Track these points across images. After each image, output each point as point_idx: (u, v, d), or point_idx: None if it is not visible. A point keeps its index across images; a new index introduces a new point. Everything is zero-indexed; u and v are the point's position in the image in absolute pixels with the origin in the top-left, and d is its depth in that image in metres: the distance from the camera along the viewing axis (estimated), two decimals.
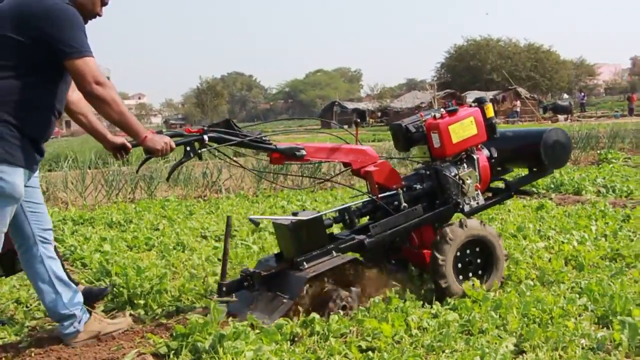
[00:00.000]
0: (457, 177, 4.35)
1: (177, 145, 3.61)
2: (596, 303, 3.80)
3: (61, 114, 3.45)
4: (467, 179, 4.37)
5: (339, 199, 9.21)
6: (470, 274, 4.21)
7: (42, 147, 3.34)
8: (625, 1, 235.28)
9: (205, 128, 3.81)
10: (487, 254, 4.25)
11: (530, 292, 4.00)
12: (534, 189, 5.33)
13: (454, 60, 67.54)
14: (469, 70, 64.21)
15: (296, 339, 3.50)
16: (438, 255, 4.04)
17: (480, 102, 4.53)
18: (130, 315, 4.12)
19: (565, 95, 67.18)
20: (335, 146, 4.22)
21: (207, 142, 3.75)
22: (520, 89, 50.69)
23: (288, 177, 11.15)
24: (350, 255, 4.03)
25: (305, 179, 10.76)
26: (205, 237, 6.72)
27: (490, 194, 4.77)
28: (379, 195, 4.23)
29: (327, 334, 3.48)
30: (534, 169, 4.85)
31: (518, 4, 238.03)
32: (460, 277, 4.15)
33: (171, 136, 3.61)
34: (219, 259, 5.44)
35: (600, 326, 3.55)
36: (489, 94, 50.69)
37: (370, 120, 54.31)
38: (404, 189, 4.31)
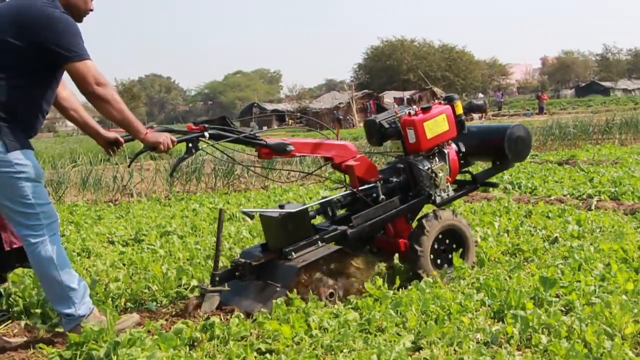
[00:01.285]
0: (430, 170, 4.63)
1: (179, 141, 3.76)
2: (493, 298, 3.88)
3: (48, 112, 3.59)
4: (439, 172, 4.66)
5: (252, 200, 9.18)
6: (445, 261, 4.57)
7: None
8: (534, 3, 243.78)
9: (206, 125, 3.94)
10: (459, 241, 4.62)
11: (430, 289, 4.05)
12: (497, 181, 5.68)
13: (371, 60, 68.44)
14: (385, 70, 65.20)
15: (195, 343, 3.45)
16: (417, 247, 4.37)
17: (450, 100, 4.79)
18: (26, 325, 4.00)
19: (480, 95, 69.08)
20: (319, 142, 4.47)
21: (207, 138, 3.91)
22: (436, 89, 51.59)
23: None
24: (336, 246, 4.25)
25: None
26: (112, 243, 6.55)
27: (456, 186, 5.02)
28: (359, 188, 4.46)
29: (227, 337, 3.45)
30: (497, 163, 5.11)
31: (430, 5, 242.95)
32: (435, 265, 4.49)
33: (173, 133, 3.75)
34: (123, 264, 5.33)
35: (496, 320, 3.64)
36: (406, 94, 51.64)
37: (290, 121, 54.34)
38: (381, 182, 4.53)
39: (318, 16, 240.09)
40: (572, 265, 4.45)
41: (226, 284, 4.07)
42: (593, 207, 6.95)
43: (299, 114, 54.50)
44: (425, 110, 4.60)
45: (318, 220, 4.59)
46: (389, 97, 51.75)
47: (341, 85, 71.14)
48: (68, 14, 3.43)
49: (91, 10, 3.66)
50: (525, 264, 4.80)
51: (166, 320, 3.97)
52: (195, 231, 6.86)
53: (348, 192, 4.52)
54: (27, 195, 3.35)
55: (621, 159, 11.44)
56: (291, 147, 4.24)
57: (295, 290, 3.92)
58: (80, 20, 3.57)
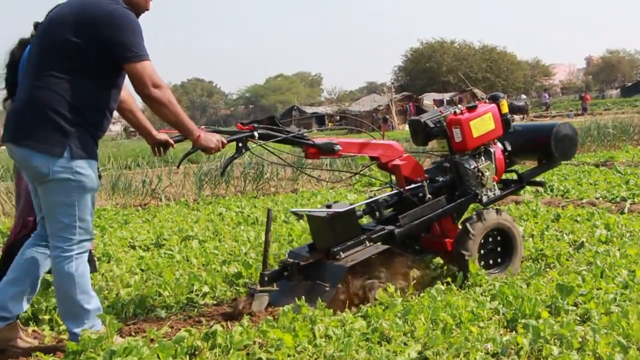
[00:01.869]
0: (477, 169, 4.60)
1: (229, 141, 3.76)
2: (508, 306, 3.74)
3: (114, 110, 3.58)
4: (486, 171, 4.63)
5: (279, 203, 9.13)
6: (494, 261, 4.55)
7: (98, 142, 3.48)
8: (579, 1, 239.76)
9: (256, 125, 3.96)
10: (507, 239, 4.56)
11: (442, 296, 3.92)
12: (544, 180, 5.62)
13: (411, 63, 68.00)
14: (425, 72, 64.70)
15: (196, 352, 3.37)
16: (463, 252, 4.32)
17: (495, 99, 4.75)
18: (33, 331, 3.97)
19: (523, 96, 68.06)
20: (365, 141, 4.46)
21: (257, 138, 3.92)
22: (476, 90, 51.01)
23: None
24: (384, 245, 4.20)
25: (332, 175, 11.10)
26: (133, 247, 6.54)
27: (502, 185, 4.96)
28: (406, 188, 4.46)
29: (229, 346, 3.36)
30: (544, 161, 5.07)
31: (473, 6, 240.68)
32: (486, 265, 4.49)
33: (222, 133, 3.73)
34: (141, 269, 5.30)
35: (509, 330, 3.51)
36: (446, 96, 51.22)
37: (330, 124, 54.27)
38: (428, 181, 4.52)
39: (359, 18, 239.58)
40: (595, 271, 4.28)
41: (275, 284, 4.08)
42: (626, 210, 6.73)
43: (338, 116, 54.55)
44: (471, 109, 4.59)
45: (364, 220, 4.61)
46: (428, 99, 51.44)
47: (381, 87, 70.89)
48: (130, 10, 3.37)
49: (147, 9, 3.62)
50: (548, 270, 4.63)
51: (171, 327, 3.91)
52: (216, 235, 6.81)
53: (394, 191, 4.53)
54: (74, 207, 3.30)
55: None
56: (338, 147, 4.23)
57: (344, 289, 3.95)
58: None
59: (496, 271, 4.53)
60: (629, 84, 77.42)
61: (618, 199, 7.39)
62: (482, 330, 3.42)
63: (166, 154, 4.05)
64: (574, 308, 3.64)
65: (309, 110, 61.14)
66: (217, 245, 6.15)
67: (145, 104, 3.44)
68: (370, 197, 4.65)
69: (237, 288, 4.69)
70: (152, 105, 3.36)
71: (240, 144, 3.88)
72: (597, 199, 7.66)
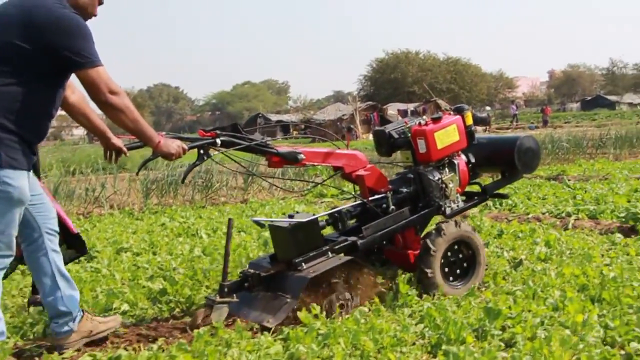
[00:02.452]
0: (440, 181, 4.57)
1: (190, 148, 3.69)
2: (436, 329, 3.58)
3: (54, 117, 3.45)
4: (450, 183, 4.61)
5: (226, 214, 8.91)
6: (457, 273, 4.49)
7: (36, 149, 3.36)
8: (542, 16, 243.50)
9: (218, 132, 3.88)
10: (469, 249, 4.52)
11: (366, 319, 3.75)
12: (507, 193, 5.57)
13: (376, 73, 68.32)
14: (390, 82, 65.07)
15: None
16: (426, 269, 4.27)
17: (460, 111, 4.75)
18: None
19: (487, 108, 68.67)
20: (329, 151, 4.40)
21: (219, 145, 3.84)
22: (440, 101, 51.34)
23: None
24: (347, 257, 4.14)
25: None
26: None
27: (465, 198, 4.95)
28: (370, 198, 4.42)
29: None
30: (507, 174, 5.09)
31: (437, 18, 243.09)
32: (450, 278, 4.44)
33: (183, 140, 3.67)
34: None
35: (432, 356, 3.36)
36: (410, 106, 51.38)
37: (294, 132, 54.07)
38: (392, 192, 4.48)
39: (326, 27, 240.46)
40: (527, 292, 4.15)
41: (235, 295, 3.97)
42: (570, 227, 6.65)
43: (303, 124, 54.36)
44: (436, 120, 4.58)
45: (327, 231, 4.56)
46: (392, 109, 51.50)
47: (347, 96, 71.03)
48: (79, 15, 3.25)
49: (94, 15, 3.48)
50: (482, 289, 4.49)
51: (78, 350, 3.67)
52: (152, 248, 6.57)
53: (358, 202, 4.52)
54: None
55: (611, 174, 11.11)
56: (302, 156, 4.15)
57: (305, 301, 3.87)
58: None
59: (460, 283, 4.49)
60: (589, 97, 78.79)
61: (563, 214, 7.31)
62: (403, 356, 3.27)
63: (117, 161, 3.91)
64: (501, 332, 3.49)
65: (274, 118, 60.87)
66: (149, 259, 5.91)
67: (102, 111, 3.33)
68: (334, 208, 4.56)
69: (160, 306, 4.47)
70: (109, 112, 3.26)
71: (201, 151, 3.79)
72: (543, 214, 7.57)
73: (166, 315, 4.35)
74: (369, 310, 4.03)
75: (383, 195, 4.46)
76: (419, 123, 4.61)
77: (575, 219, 6.98)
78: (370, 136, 44.90)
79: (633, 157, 15.19)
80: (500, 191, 5.21)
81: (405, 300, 4.15)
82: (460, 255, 4.52)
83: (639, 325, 3.43)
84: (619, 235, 5.93)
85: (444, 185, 4.57)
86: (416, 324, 3.71)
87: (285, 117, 61.72)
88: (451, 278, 4.45)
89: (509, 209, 8.20)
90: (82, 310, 3.71)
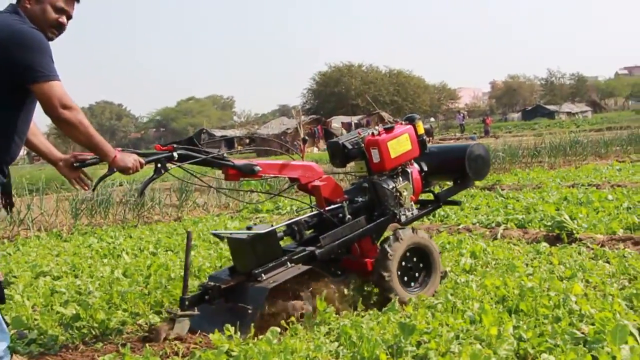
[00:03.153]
0: (395, 189, 4.66)
1: (147, 162, 3.65)
2: (351, 347, 3.48)
3: (26, 135, 3.38)
4: (404, 191, 4.69)
5: (156, 233, 8.70)
6: (414, 279, 4.57)
7: (5, 169, 3.29)
8: (482, 29, 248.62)
9: (175, 145, 3.89)
10: (425, 256, 4.61)
11: (280, 339, 3.63)
12: (459, 200, 5.65)
13: (320, 86, 68.58)
14: (334, 95, 65.48)
15: None
16: (383, 273, 4.32)
17: (411, 120, 4.85)
18: None
19: (432, 119, 69.59)
20: (285, 163, 4.47)
21: (176, 159, 3.84)
22: (383, 113, 51.87)
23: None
24: (306, 266, 4.19)
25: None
26: None
27: (419, 206, 5.01)
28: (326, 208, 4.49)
29: None
30: (459, 181, 5.20)
31: (384, 33, 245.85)
32: (406, 283, 4.50)
33: (140, 154, 3.63)
34: None
35: None
36: (354, 119, 51.74)
37: (239, 147, 53.83)
38: (347, 202, 4.56)
39: (271, 42, 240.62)
40: (446, 305, 4.09)
41: (195, 308, 4.00)
42: (499, 237, 6.67)
43: (247, 139, 54.13)
44: (389, 130, 4.67)
45: (285, 242, 4.60)
46: (337, 122, 51.78)
47: (291, 110, 71.14)
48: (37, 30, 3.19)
49: (60, 24, 3.38)
50: (404, 304, 4.42)
51: None
52: (73, 271, 6.33)
53: (315, 212, 4.55)
54: None
55: (544, 183, 11.25)
56: (258, 168, 4.21)
57: (265, 311, 3.92)
58: (50, 38, 3.34)
59: (417, 288, 4.55)
60: (529, 107, 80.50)
61: (493, 224, 7.33)
62: None
63: (87, 184, 3.72)
64: (416, 349, 3.41)
65: (218, 133, 60.48)
66: (68, 283, 5.67)
67: (57, 125, 3.26)
68: (292, 219, 4.65)
69: (71, 332, 4.27)
70: (63, 127, 3.21)
71: (159, 165, 3.79)
72: (474, 224, 7.58)
73: (77, 342, 4.16)
74: (286, 329, 3.92)
75: (339, 205, 4.54)
76: (372, 133, 4.67)
77: (504, 229, 7.00)
78: (315, 149, 45.40)
79: (567, 165, 15.46)
80: (453, 198, 5.31)
81: (323, 317, 4.05)
82: (417, 262, 4.59)
83: (553, 336, 3.40)
84: (544, 244, 5.96)
85: (398, 194, 4.66)
86: (331, 342, 3.61)
87: (229, 132, 61.44)
88: (408, 283, 4.52)
89: (440, 219, 8.21)
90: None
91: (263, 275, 4.06)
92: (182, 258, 6.31)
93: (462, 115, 56.69)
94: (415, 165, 4.90)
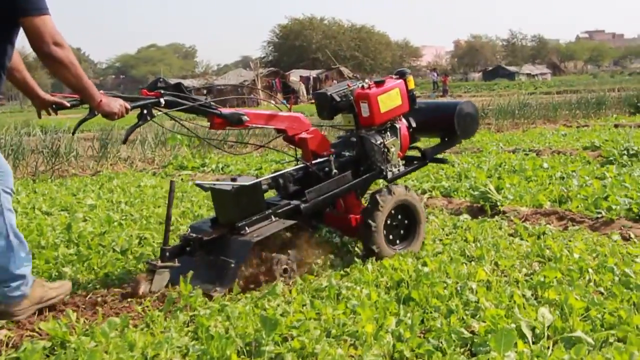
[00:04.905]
0: (383, 145, 4.54)
1: (133, 107, 3.58)
2: (202, 344, 2.95)
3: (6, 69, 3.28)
4: (392, 147, 4.59)
5: (64, 188, 8.04)
6: (397, 237, 4.48)
7: None
8: None
9: (162, 91, 3.76)
10: (411, 217, 4.52)
11: (116, 331, 3.09)
12: (446, 158, 5.51)
13: (281, 39, 67.42)
14: (294, 49, 64.53)
15: None
16: (370, 222, 4.23)
17: (402, 75, 4.72)
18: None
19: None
20: (272, 113, 4.34)
21: (163, 105, 3.72)
22: (343, 68, 51.19)
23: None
24: (291, 221, 4.06)
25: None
26: None
27: (405, 162, 4.91)
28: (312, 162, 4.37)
29: None
30: (446, 139, 5.09)
31: None
32: (389, 240, 4.39)
33: (125, 99, 3.54)
34: None
35: None
36: (313, 73, 50.96)
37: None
38: (334, 156, 4.45)
39: None
40: (331, 292, 3.57)
41: (176, 259, 3.87)
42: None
43: (205, 90, 52.95)
44: (379, 84, 4.54)
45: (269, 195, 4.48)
46: (295, 75, 50.95)
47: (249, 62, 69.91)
48: None
49: None
50: (291, 286, 3.89)
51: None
52: None
53: (300, 165, 4.43)
54: None
55: (485, 147, 10.80)
56: (246, 118, 4.08)
57: (249, 266, 3.81)
58: None
59: (398, 248, 4.45)
60: (490, 68, 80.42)
61: (419, 192, 6.83)
62: None
63: (57, 113, 3.74)
64: (276, 347, 2.89)
65: (174, 82, 59.15)
66: None
67: (44, 63, 3.14)
68: (278, 171, 4.53)
69: None
70: (52, 64, 3.10)
71: (145, 111, 3.67)
72: None
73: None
74: (141, 316, 3.38)
75: (326, 158, 4.42)
76: (362, 86, 4.54)
77: (428, 197, 6.54)
78: (272, 103, 44.31)
79: (515, 129, 15.06)
80: (439, 156, 5.21)
81: (187, 302, 3.51)
82: (403, 220, 4.50)
83: (439, 335, 2.93)
84: (465, 216, 5.52)
85: (386, 150, 4.55)
86: (183, 336, 3.07)
87: (186, 82, 59.98)
88: (390, 241, 4.41)
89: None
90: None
91: (247, 228, 3.95)
92: (72, 218, 5.73)
93: (436, 73, 55.61)
94: (404, 120, 4.78)
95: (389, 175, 4.59)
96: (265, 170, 8.93)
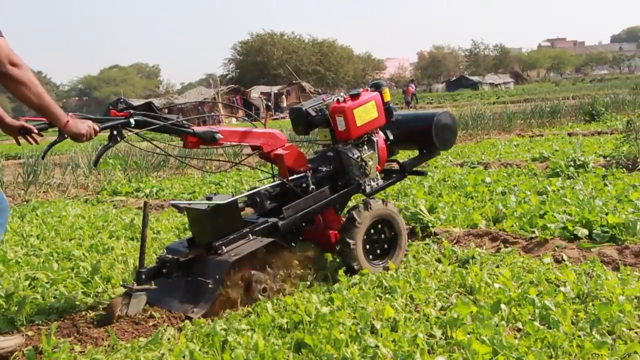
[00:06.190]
0: (360, 159, 4.50)
1: (102, 129, 3.52)
2: None
3: None
4: (369, 161, 4.54)
5: None
6: (378, 252, 4.40)
7: None
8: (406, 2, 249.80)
9: (132, 111, 3.69)
10: (392, 230, 4.44)
11: None
12: (425, 170, 5.55)
13: (242, 55, 67.16)
14: (256, 65, 64.36)
15: None
16: (348, 240, 4.16)
17: (378, 87, 4.67)
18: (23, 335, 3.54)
19: (360, 90, 68.79)
20: (247, 130, 4.28)
21: (133, 126, 3.65)
22: (304, 83, 50.94)
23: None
24: (268, 239, 4.01)
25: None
26: None
27: (383, 175, 4.86)
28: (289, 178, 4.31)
29: None
30: (424, 151, 5.03)
31: (310, 5, 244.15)
32: (370, 256, 4.33)
33: (95, 120, 3.47)
34: None
35: None
36: (274, 89, 50.59)
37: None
38: (311, 172, 4.38)
39: (198, 10, 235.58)
40: (214, 342, 3.15)
41: (152, 282, 3.80)
42: None
43: (166, 109, 52.30)
44: (354, 97, 4.49)
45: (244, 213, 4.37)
46: (256, 92, 50.57)
47: (209, 79, 69.41)
48: None
49: None
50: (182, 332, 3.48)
51: None
52: None
53: (277, 182, 4.37)
54: None
55: (431, 161, 10.44)
56: (219, 135, 3.99)
57: (227, 286, 3.74)
58: None
59: (380, 262, 4.38)
60: (453, 78, 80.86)
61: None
62: None
63: (38, 142, 3.59)
64: None
65: (136, 103, 58.44)
66: None
67: (3, 84, 3.04)
68: (254, 188, 4.49)
69: None
70: (11, 85, 3.02)
71: (115, 132, 3.61)
72: None
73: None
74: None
75: (303, 174, 4.35)
76: (337, 100, 4.50)
77: None
78: (233, 120, 44.04)
79: (469, 140, 14.76)
80: (418, 168, 5.16)
81: (50, 358, 3.06)
82: (382, 235, 4.42)
83: None
84: None
85: (363, 164, 4.51)
86: None
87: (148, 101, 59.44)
88: (371, 256, 4.35)
89: None
90: None
91: (224, 247, 3.89)
92: None
93: (414, 84, 55.14)
94: (381, 133, 4.74)
95: (368, 189, 4.53)
96: (199, 194, 8.50)
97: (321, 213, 4.44)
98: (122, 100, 59.31)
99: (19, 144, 3.63)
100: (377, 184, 4.63)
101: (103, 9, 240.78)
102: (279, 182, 4.36)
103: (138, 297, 3.74)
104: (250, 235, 4.03)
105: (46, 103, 3.17)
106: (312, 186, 4.33)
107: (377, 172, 4.66)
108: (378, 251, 4.41)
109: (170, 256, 3.95)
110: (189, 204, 4.29)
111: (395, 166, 5.08)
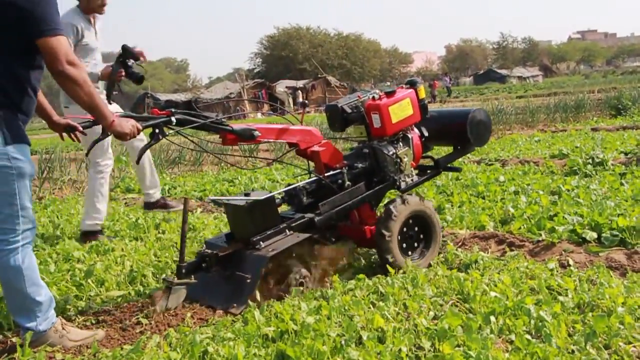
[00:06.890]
0: (395, 155, 4.52)
1: (144, 127, 3.58)
2: None
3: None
4: (404, 157, 4.57)
5: None
6: (411, 247, 4.44)
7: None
8: None
9: (173, 110, 3.76)
10: (426, 227, 4.49)
11: None
12: (460, 167, 5.42)
13: (268, 49, 67.16)
14: (282, 59, 64.25)
15: None
16: (385, 232, 4.21)
17: (413, 84, 4.68)
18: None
19: (387, 83, 68.64)
20: (284, 127, 4.30)
21: (174, 124, 3.73)
22: (330, 78, 50.79)
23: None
24: (305, 234, 4.06)
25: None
26: None
27: (418, 171, 4.87)
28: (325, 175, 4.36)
29: None
30: (459, 147, 5.05)
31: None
32: (406, 251, 4.38)
33: (137, 119, 3.55)
34: None
35: None
36: (300, 83, 50.56)
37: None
38: (347, 168, 4.44)
39: (225, 2, 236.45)
40: (193, 352, 3.05)
41: (192, 276, 3.87)
42: None
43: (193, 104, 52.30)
44: (390, 94, 4.52)
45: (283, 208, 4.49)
46: (281, 86, 50.58)
47: (235, 74, 69.55)
48: None
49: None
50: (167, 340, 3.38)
51: None
52: None
53: (313, 178, 4.42)
54: (15, 196, 3.11)
55: None
56: (257, 133, 4.04)
57: (266, 280, 3.80)
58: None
59: (416, 257, 4.43)
60: (481, 72, 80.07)
61: None
62: None
63: (80, 140, 3.88)
64: None
65: (164, 97, 58.76)
66: None
67: (58, 82, 3.16)
68: (290, 184, 4.54)
69: None
70: (66, 83, 3.13)
71: (156, 130, 3.67)
72: None
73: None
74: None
75: (339, 171, 4.41)
76: (373, 97, 4.55)
77: None
78: (258, 114, 44.07)
79: (492, 135, 14.50)
80: (453, 164, 5.18)
81: None
82: (418, 231, 4.47)
83: None
84: None
85: (398, 160, 4.54)
86: None
87: (174, 97, 59.74)
88: (406, 251, 4.40)
89: None
90: None
91: (262, 242, 3.95)
92: None
93: (448, 78, 54.55)
94: (416, 130, 4.76)
95: (402, 185, 4.56)
96: (210, 192, 8.44)
97: (357, 209, 4.49)
98: (149, 95, 59.76)
99: (62, 139, 3.87)
100: (412, 180, 4.66)
101: (133, 2, 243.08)
102: (315, 178, 4.42)
103: (178, 291, 3.82)
104: (287, 230, 4.09)
105: (96, 103, 3.26)
106: (347, 182, 4.39)
107: (412, 169, 4.68)
108: (415, 244, 4.46)
109: (209, 251, 4.00)
110: (228, 199, 4.36)
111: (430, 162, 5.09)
